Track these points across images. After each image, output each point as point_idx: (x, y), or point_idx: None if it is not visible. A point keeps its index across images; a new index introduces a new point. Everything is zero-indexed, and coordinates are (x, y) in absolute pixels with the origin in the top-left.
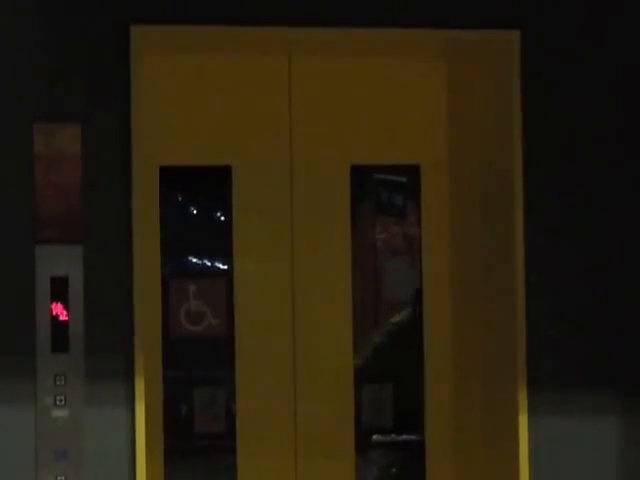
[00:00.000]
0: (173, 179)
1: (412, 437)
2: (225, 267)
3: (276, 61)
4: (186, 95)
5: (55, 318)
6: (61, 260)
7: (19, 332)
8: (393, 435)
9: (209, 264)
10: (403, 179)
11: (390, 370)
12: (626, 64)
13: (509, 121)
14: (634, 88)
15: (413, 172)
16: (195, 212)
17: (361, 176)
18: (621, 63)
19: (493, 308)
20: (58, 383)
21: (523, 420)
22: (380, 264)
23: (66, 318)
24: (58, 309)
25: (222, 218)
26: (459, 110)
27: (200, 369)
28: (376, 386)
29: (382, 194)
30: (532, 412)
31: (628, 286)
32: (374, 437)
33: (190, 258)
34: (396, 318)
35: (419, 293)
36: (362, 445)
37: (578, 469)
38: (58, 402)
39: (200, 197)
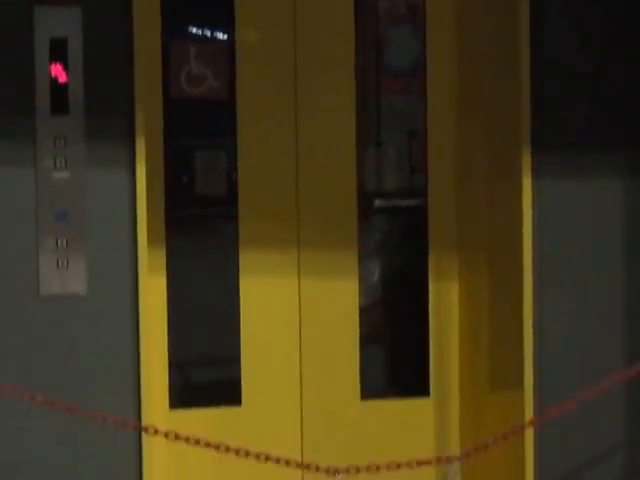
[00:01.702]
0: None
1: (415, 202)
2: (226, 35)
3: None
4: None
5: (54, 80)
6: (60, 22)
7: (18, 94)
8: (396, 200)
9: (210, 31)
10: None
11: (392, 130)
12: None
13: None
14: None
15: None
16: None
17: None
18: None
19: (499, 72)
20: (58, 145)
21: (527, 181)
22: (383, 32)
23: (65, 79)
24: (57, 71)
25: None
26: None
27: (201, 132)
28: (379, 148)
29: None
30: (536, 175)
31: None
32: (377, 202)
33: (191, 24)
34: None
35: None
36: (365, 211)
37: (578, 230)
38: (58, 164)
39: None
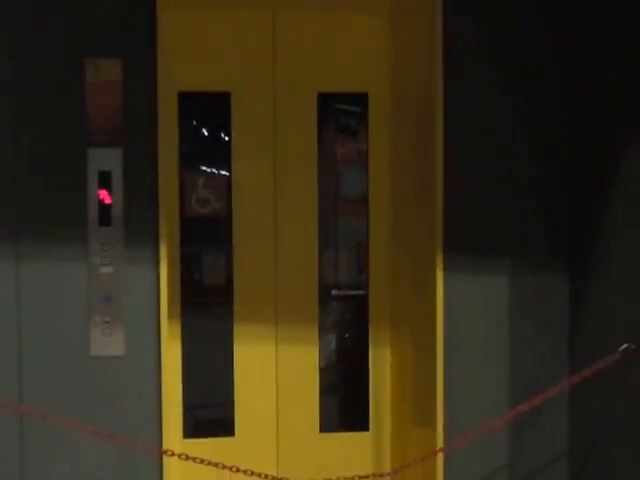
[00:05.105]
0: (187, 104)
1: (360, 292)
2: (226, 171)
3: (262, 15)
4: (197, 41)
5: (101, 202)
6: (106, 159)
7: (75, 212)
8: (347, 290)
9: (215, 168)
10: (357, 108)
11: (344, 241)
12: None
13: (434, 59)
14: None
15: (363, 99)
16: (202, 131)
17: (325, 106)
18: None
19: (420, 196)
20: (104, 248)
21: (440, 275)
22: (339, 170)
23: (110, 201)
24: (103, 195)
25: (225, 137)
26: (397, 52)
27: (207, 240)
28: (334, 253)
29: (341, 120)
30: (446, 272)
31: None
32: (333, 292)
33: (200, 162)
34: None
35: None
36: (324, 298)
37: (476, 311)
38: (104, 262)
39: (206, 119)
